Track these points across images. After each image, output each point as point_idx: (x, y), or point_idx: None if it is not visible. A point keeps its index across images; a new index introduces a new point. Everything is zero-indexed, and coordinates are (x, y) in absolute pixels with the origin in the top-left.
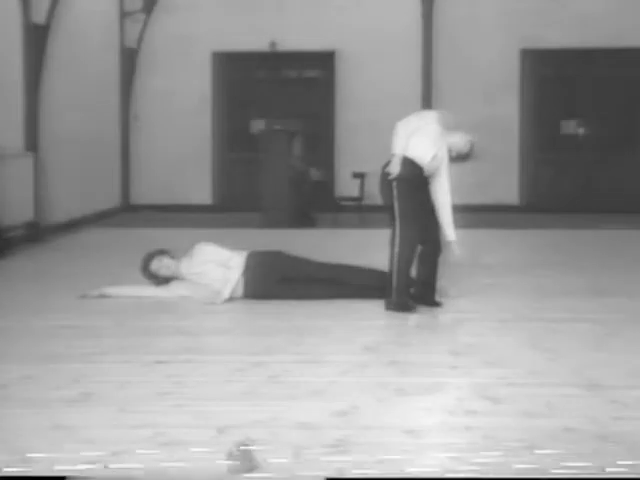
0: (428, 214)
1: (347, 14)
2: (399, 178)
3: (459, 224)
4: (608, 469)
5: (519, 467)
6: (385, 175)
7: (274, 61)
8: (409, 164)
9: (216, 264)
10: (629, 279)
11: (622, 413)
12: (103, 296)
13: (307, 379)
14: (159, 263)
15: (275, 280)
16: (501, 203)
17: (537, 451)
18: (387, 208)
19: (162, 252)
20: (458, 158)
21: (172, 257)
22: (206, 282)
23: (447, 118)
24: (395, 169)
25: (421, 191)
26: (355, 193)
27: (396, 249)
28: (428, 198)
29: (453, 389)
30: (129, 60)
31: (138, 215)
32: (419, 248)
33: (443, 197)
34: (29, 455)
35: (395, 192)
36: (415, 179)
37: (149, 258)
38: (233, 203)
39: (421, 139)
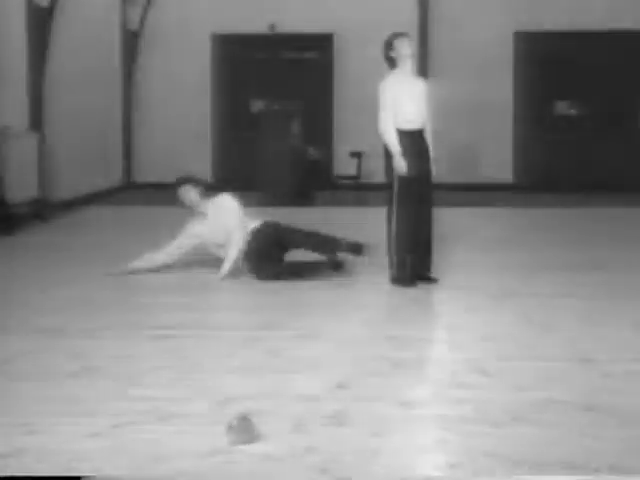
0: (424, 190)
1: None
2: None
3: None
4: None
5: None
6: (386, 148)
7: (273, 43)
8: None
9: (226, 225)
10: (620, 255)
11: (609, 385)
12: (127, 272)
13: (306, 353)
14: (185, 193)
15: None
16: (495, 181)
17: (523, 424)
18: (388, 185)
19: (190, 182)
20: None
21: (199, 191)
22: (212, 239)
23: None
24: (401, 168)
25: (421, 157)
26: (352, 171)
27: (393, 226)
28: (427, 165)
29: (446, 363)
30: (131, 42)
31: (140, 192)
32: (414, 226)
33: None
34: (32, 427)
35: (394, 168)
36: (410, 147)
37: (179, 183)
38: (232, 182)
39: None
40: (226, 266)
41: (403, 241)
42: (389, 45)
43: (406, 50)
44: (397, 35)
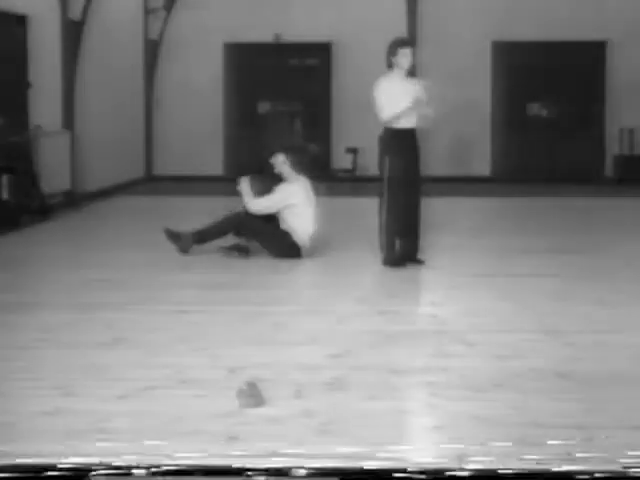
0: (412, 183)
1: (342, 10)
2: (390, 151)
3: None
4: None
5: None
6: (380, 145)
7: (278, 51)
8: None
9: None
10: (584, 240)
11: (577, 354)
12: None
13: (307, 327)
14: (274, 159)
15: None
16: (474, 175)
17: (503, 389)
18: (379, 178)
19: (283, 150)
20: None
21: (288, 161)
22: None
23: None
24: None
25: (410, 154)
26: (348, 166)
27: (383, 214)
28: (416, 161)
29: (433, 335)
30: (152, 50)
31: (160, 184)
32: (402, 214)
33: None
34: (68, 390)
35: (386, 163)
36: (401, 145)
37: (276, 149)
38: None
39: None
40: (245, 194)
41: (392, 227)
42: (393, 50)
43: (406, 62)
44: (402, 44)
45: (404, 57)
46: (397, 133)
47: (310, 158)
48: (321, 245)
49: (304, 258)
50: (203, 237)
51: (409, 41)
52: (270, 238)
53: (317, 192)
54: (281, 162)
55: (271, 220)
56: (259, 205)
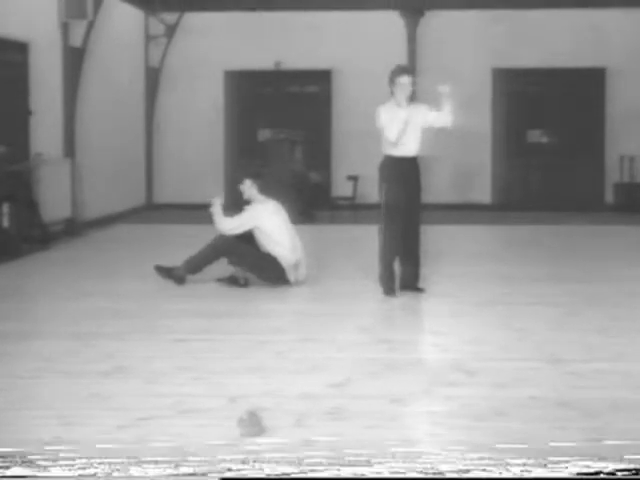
0: (411, 211)
1: (342, 38)
2: (388, 179)
3: None
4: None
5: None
6: (379, 172)
7: (278, 78)
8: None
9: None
10: (585, 267)
11: (578, 383)
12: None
13: (308, 355)
14: (242, 185)
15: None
16: (475, 202)
17: (504, 418)
18: (379, 206)
19: (249, 176)
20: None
21: (255, 186)
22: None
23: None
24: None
25: (409, 182)
26: (349, 193)
27: (380, 242)
28: (415, 189)
29: (434, 363)
30: (152, 78)
31: (160, 212)
32: (402, 243)
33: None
34: (68, 419)
35: (384, 190)
36: (400, 173)
37: (240, 176)
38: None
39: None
40: (216, 214)
41: (388, 256)
42: (392, 79)
43: (403, 91)
44: (400, 72)
45: (400, 86)
46: (395, 161)
47: (311, 185)
48: (321, 273)
49: (293, 286)
50: (193, 266)
51: (407, 69)
52: (257, 261)
53: (294, 219)
54: (249, 187)
55: (251, 242)
56: (229, 225)
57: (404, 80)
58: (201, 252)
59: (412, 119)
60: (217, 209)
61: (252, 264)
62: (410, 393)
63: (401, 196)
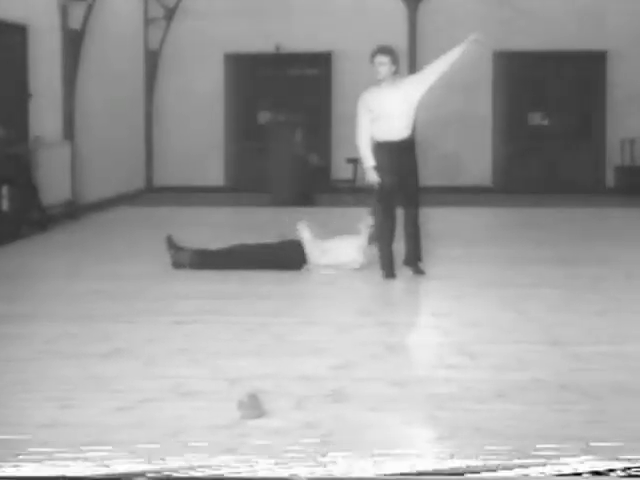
0: (408, 193)
1: (342, 21)
2: (377, 163)
3: None
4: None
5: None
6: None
7: (279, 61)
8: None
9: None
10: (586, 250)
11: (579, 365)
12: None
13: (307, 338)
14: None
15: None
16: (476, 185)
17: (505, 400)
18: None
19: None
20: None
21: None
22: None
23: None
24: (372, 179)
25: (402, 165)
26: (349, 176)
27: (376, 226)
28: (408, 171)
29: (435, 346)
30: (152, 61)
31: (160, 195)
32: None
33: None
34: (67, 402)
35: (378, 175)
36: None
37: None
38: (243, 185)
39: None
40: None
41: (384, 238)
42: (370, 61)
43: (378, 71)
44: (375, 52)
45: (376, 65)
46: (382, 146)
47: (310, 168)
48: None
49: (310, 270)
50: (198, 263)
51: (382, 48)
52: (272, 254)
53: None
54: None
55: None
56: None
57: (377, 59)
58: (213, 253)
59: (396, 96)
60: (306, 235)
61: (266, 261)
62: (411, 376)
63: (394, 180)
